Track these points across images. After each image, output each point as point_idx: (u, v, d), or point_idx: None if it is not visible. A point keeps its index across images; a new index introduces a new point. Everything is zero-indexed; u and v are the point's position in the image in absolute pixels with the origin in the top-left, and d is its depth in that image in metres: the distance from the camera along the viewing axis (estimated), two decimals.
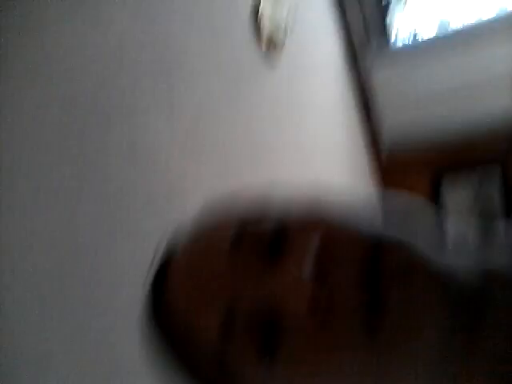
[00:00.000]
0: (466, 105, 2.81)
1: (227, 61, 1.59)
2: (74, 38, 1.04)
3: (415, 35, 3.05)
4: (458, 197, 2.92)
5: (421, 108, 2.91)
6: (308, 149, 2.16)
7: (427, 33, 3.03)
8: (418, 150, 2.97)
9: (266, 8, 1.89)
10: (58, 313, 0.91)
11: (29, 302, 0.86)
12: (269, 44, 1.86)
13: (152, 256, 0.48)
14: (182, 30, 1.39)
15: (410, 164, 2.98)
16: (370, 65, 2.97)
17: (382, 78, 2.94)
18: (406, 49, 3.02)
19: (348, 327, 0.36)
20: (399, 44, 3.05)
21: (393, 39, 3.05)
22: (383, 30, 3.03)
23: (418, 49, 2.99)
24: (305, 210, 0.42)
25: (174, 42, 1.35)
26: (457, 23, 2.94)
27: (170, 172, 1.24)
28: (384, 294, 0.35)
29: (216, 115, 1.48)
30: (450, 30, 2.93)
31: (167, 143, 1.26)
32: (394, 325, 0.35)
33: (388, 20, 3.03)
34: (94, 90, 1.07)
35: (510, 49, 2.56)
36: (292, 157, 1.98)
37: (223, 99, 1.55)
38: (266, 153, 1.76)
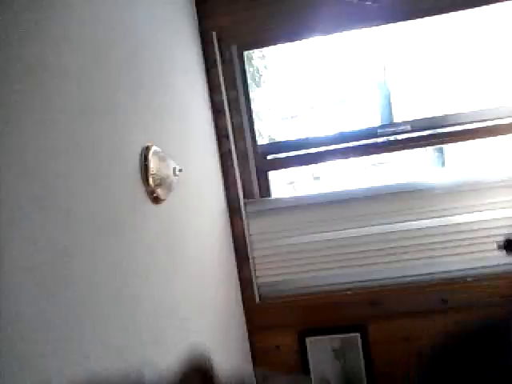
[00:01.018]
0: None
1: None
2: None
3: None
4: (322, 360, 3.07)
5: (293, 263, 3.10)
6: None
7: (305, 190, 3.25)
8: (288, 303, 3.12)
9: (153, 163, 1.87)
10: None
11: None
12: (153, 196, 2.00)
13: None
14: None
15: (279, 317, 3.14)
16: (248, 216, 3.32)
17: (259, 230, 3.14)
18: (285, 204, 3.29)
19: None
20: (278, 200, 3.37)
21: (272, 195, 3.43)
22: (264, 185, 3.25)
23: (296, 205, 3.16)
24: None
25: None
26: (335, 186, 3.18)
27: None
28: None
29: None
30: (329, 190, 3.25)
31: None
32: None
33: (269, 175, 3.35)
34: None
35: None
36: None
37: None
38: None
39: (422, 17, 3.13)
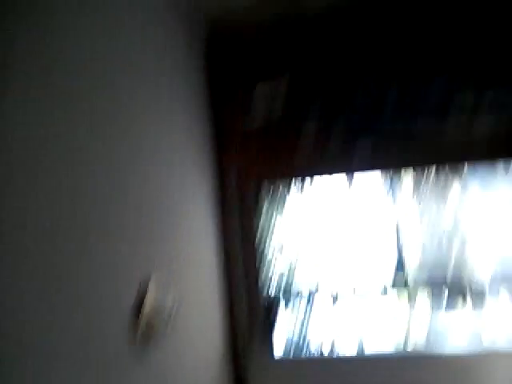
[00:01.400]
0: None
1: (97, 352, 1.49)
2: None
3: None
4: None
5: None
6: None
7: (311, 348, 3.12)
8: None
9: (150, 297, 1.69)
10: None
11: None
12: (146, 335, 1.79)
13: None
14: None
15: None
16: (248, 369, 3.11)
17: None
18: (287, 360, 3.15)
19: None
20: (281, 354, 3.20)
21: (275, 348, 3.22)
22: (268, 338, 3.20)
23: (298, 361, 2.97)
24: None
25: None
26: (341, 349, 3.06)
27: None
28: None
29: None
30: (337, 352, 3.11)
31: None
32: None
33: (273, 329, 3.24)
34: None
35: None
36: None
37: None
38: None
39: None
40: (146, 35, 2.31)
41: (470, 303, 2.93)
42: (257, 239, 3.29)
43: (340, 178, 3.35)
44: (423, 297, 3.03)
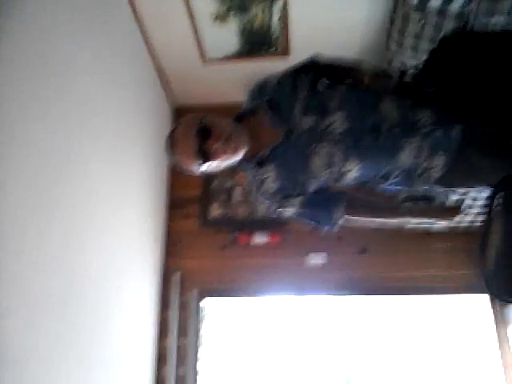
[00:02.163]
0: None
1: None
2: None
3: None
4: None
5: None
6: None
7: None
8: None
9: None
10: None
11: None
12: None
13: None
14: None
15: None
16: None
17: None
18: None
19: None
20: None
21: None
22: None
23: None
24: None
25: None
26: None
27: None
28: None
29: None
30: None
31: None
32: None
33: None
34: None
35: None
36: None
37: None
38: None
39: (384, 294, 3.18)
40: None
41: None
42: (192, 353, 3.16)
43: (288, 298, 3.32)
44: None
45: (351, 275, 3.25)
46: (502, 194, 1.23)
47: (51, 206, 1.90)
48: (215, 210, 3.52)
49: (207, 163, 1.40)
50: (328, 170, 1.46)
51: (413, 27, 2.54)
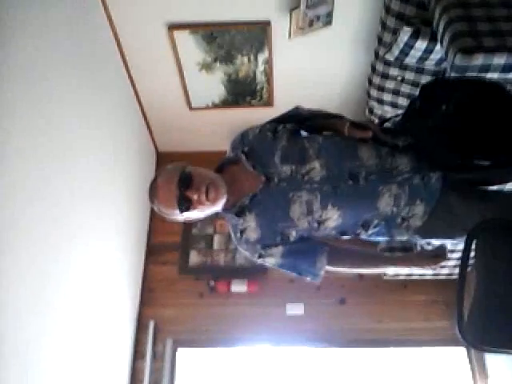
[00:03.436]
0: None
1: None
2: None
3: None
4: None
5: None
6: None
7: None
8: None
9: None
10: None
11: None
12: None
13: None
14: None
15: None
16: None
17: None
18: None
19: None
20: None
21: None
22: None
23: None
24: None
25: None
26: None
27: None
28: None
29: None
30: None
31: None
32: None
33: None
34: None
35: None
36: None
37: None
38: None
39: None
40: None
41: None
42: None
43: (265, 349, 3.26)
44: None
45: (329, 326, 3.21)
46: (475, 242, 1.24)
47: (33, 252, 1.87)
48: (195, 257, 3.48)
49: (187, 212, 1.43)
50: (307, 218, 1.47)
51: (391, 83, 2.64)
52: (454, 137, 1.41)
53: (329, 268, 1.57)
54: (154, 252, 3.51)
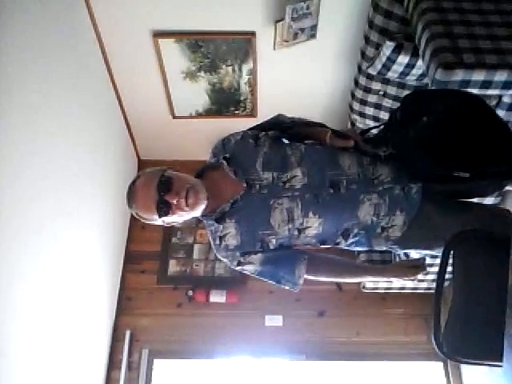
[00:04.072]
0: None
1: None
2: None
3: None
4: None
5: None
6: None
7: None
8: None
9: None
10: None
11: None
12: None
13: None
14: None
15: None
16: None
17: None
18: None
19: None
20: None
21: None
22: None
23: None
24: None
25: None
26: None
27: None
28: None
29: None
30: None
31: None
32: None
33: None
34: None
35: None
36: None
37: None
38: None
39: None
40: None
41: None
42: None
43: (244, 360, 3.24)
44: None
45: (308, 338, 3.20)
46: (453, 253, 1.25)
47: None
48: (174, 267, 3.45)
49: (166, 216, 1.42)
50: (288, 226, 1.47)
51: (373, 97, 2.67)
52: (434, 148, 1.43)
53: (309, 277, 1.57)
54: (132, 260, 3.46)
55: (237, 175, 1.48)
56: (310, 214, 1.47)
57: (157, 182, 1.40)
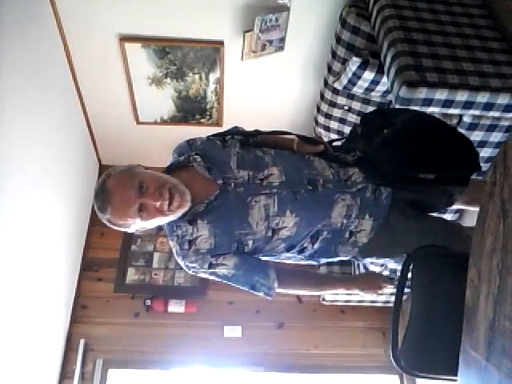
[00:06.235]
0: None
1: None
2: None
3: None
4: None
5: None
6: None
7: None
8: None
9: None
10: None
11: None
12: None
13: None
14: None
15: None
16: None
17: None
18: None
19: None
20: None
21: None
22: None
23: None
24: None
25: None
26: None
27: None
28: None
29: None
30: None
31: None
32: None
33: None
34: None
35: None
36: None
37: None
38: None
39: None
40: None
41: None
42: None
43: (201, 371, 3.18)
44: None
45: (267, 350, 3.18)
46: (412, 268, 1.27)
47: None
48: (132, 275, 3.38)
49: (145, 221, 1.34)
50: (265, 224, 1.42)
51: (338, 112, 2.71)
52: (399, 149, 1.47)
53: (280, 290, 1.53)
54: (89, 267, 3.37)
55: (211, 173, 1.42)
56: (288, 213, 1.43)
57: (137, 184, 1.29)
